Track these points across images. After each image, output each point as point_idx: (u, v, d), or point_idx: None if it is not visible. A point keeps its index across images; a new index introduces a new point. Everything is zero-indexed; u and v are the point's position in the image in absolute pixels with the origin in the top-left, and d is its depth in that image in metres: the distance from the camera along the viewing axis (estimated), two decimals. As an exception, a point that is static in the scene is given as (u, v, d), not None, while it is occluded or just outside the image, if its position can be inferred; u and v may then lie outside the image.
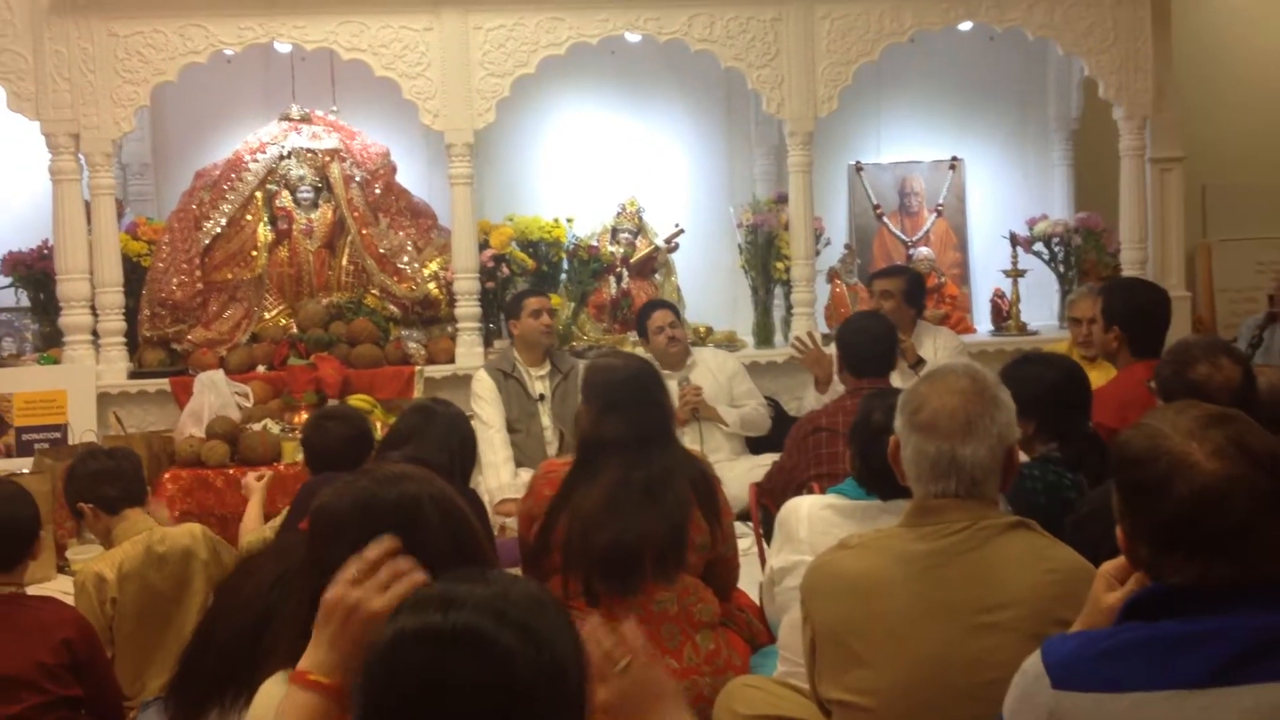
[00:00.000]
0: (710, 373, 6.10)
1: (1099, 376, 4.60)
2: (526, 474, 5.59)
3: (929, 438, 2.37)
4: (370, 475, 2.04)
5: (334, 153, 6.66)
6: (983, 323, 7.33)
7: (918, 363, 5.48)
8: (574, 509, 3.43)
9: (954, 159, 7.50)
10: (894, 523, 2.51)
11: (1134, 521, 1.84)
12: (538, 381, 5.97)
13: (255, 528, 4.39)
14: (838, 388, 5.28)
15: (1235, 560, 1.73)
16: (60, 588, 4.59)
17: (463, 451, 3.83)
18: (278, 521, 4.15)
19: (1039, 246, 7.17)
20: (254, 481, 4.77)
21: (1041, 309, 7.28)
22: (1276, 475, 1.75)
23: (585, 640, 1.75)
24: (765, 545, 4.12)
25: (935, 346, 5.72)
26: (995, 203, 7.54)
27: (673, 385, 5.66)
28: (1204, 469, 1.74)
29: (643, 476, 3.43)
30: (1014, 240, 7.05)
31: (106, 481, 3.87)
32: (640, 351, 6.02)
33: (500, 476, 5.65)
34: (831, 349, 5.14)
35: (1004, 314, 7.13)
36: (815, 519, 3.09)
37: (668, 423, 3.63)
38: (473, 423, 4.35)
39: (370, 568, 1.78)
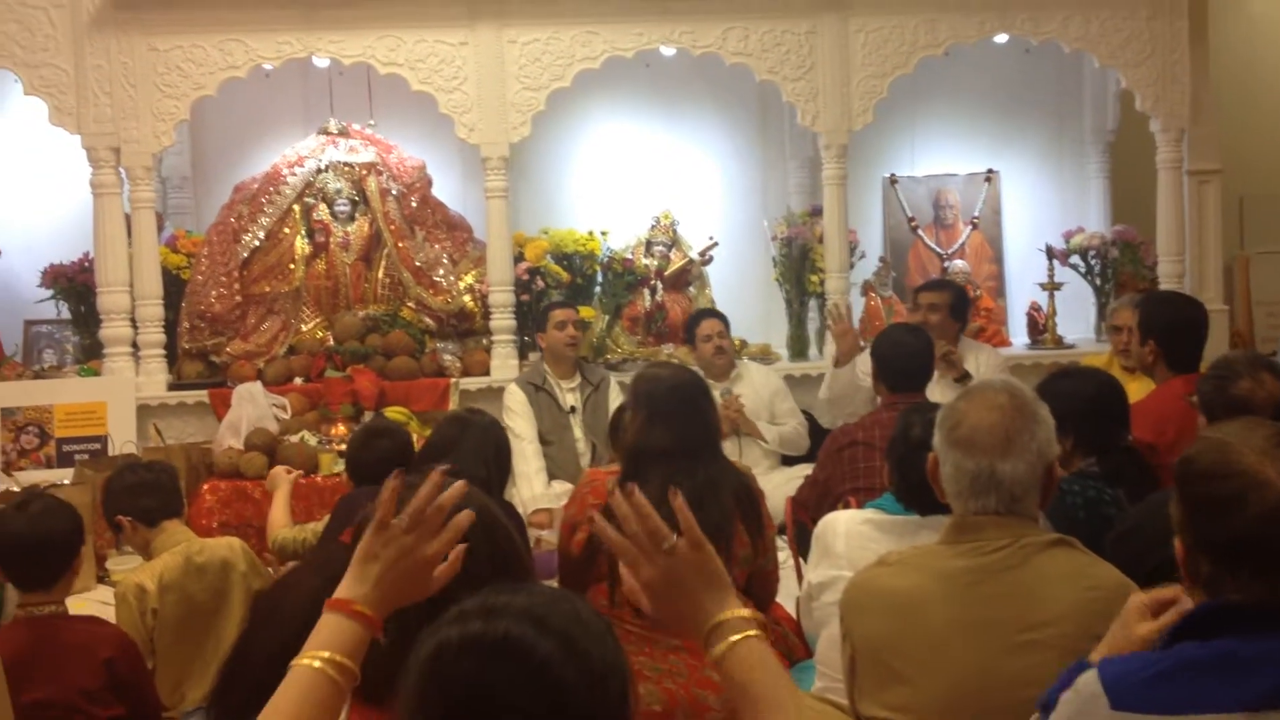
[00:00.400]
0: (754, 387, 6.09)
1: (1139, 389, 4.55)
2: (559, 485, 5.62)
3: (968, 454, 2.36)
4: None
5: (371, 166, 6.70)
6: (1019, 336, 7.29)
7: (963, 376, 5.39)
8: None
9: (989, 171, 7.47)
10: (933, 538, 2.50)
11: (1197, 536, 1.83)
12: (568, 394, 5.99)
13: (284, 523, 4.34)
14: (859, 383, 5.28)
15: None
16: (100, 597, 4.63)
17: (498, 461, 3.84)
18: (318, 526, 4.15)
19: (1075, 259, 7.13)
20: (283, 473, 4.71)
21: (1078, 322, 7.24)
22: None
23: (631, 516, 1.74)
24: (800, 559, 4.11)
25: (979, 364, 5.64)
26: (1031, 215, 7.50)
27: (715, 395, 5.66)
28: (1278, 488, 1.74)
29: (688, 487, 3.42)
30: (1050, 253, 7.01)
31: (144, 494, 3.89)
32: (676, 361, 6.02)
33: (533, 487, 5.67)
34: (865, 356, 5.12)
35: (1040, 327, 7.08)
36: (853, 534, 3.08)
37: (713, 434, 3.62)
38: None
39: (421, 514, 1.77)
